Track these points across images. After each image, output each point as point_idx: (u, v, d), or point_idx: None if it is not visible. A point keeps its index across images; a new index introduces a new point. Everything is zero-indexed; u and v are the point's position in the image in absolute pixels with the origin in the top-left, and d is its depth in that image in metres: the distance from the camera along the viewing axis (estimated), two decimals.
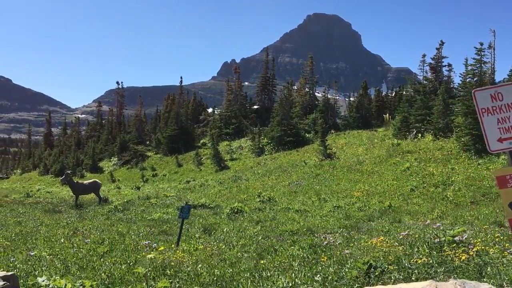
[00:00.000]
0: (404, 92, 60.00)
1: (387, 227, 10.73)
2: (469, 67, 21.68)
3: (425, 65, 41.55)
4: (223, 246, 8.90)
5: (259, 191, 21.13)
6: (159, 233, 11.19)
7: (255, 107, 58.86)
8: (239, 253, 8.33)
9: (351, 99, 65.03)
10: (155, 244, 8.06)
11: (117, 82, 71.64)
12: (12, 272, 4.49)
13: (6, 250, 9.03)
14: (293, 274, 5.82)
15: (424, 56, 41.97)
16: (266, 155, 40.41)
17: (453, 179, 17.74)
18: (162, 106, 77.79)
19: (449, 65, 36.46)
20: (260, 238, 10.01)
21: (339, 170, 24.57)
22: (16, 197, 33.59)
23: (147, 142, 60.20)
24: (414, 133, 27.73)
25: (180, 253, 7.61)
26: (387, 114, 44.68)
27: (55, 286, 4.67)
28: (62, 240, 10.35)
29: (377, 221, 12.28)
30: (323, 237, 9.11)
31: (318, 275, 5.66)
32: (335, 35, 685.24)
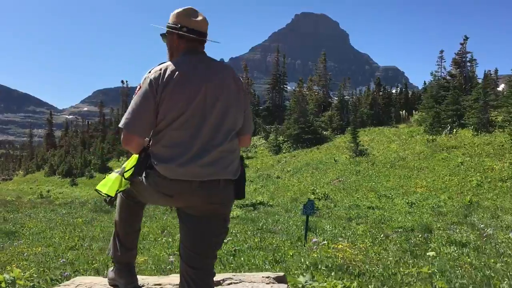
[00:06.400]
0: (410, 91, 60.03)
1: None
2: None
3: (443, 61, 41.49)
4: (360, 245, 8.28)
5: (312, 188, 20.53)
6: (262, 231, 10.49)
7: (264, 106, 58.26)
8: (382, 252, 7.73)
9: (354, 97, 64.91)
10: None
11: (122, 81, 70.56)
12: (283, 273, 3.89)
13: None
14: None
15: (441, 52, 41.92)
16: (284, 153, 39.82)
17: None
18: None
19: (471, 60, 36.28)
20: (381, 236, 9.41)
21: (380, 166, 24.06)
22: (31, 198, 32.56)
23: None
24: (448, 128, 27.40)
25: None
26: (403, 111, 44.48)
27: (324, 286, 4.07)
28: (162, 240, 9.59)
29: (477, 217, 11.74)
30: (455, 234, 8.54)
31: None
32: (323, 34, 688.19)
